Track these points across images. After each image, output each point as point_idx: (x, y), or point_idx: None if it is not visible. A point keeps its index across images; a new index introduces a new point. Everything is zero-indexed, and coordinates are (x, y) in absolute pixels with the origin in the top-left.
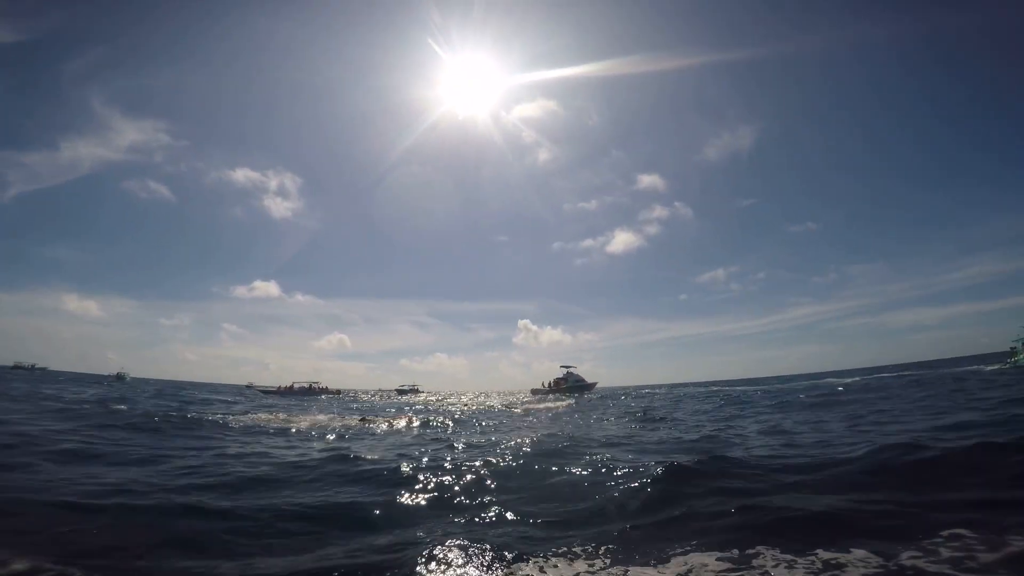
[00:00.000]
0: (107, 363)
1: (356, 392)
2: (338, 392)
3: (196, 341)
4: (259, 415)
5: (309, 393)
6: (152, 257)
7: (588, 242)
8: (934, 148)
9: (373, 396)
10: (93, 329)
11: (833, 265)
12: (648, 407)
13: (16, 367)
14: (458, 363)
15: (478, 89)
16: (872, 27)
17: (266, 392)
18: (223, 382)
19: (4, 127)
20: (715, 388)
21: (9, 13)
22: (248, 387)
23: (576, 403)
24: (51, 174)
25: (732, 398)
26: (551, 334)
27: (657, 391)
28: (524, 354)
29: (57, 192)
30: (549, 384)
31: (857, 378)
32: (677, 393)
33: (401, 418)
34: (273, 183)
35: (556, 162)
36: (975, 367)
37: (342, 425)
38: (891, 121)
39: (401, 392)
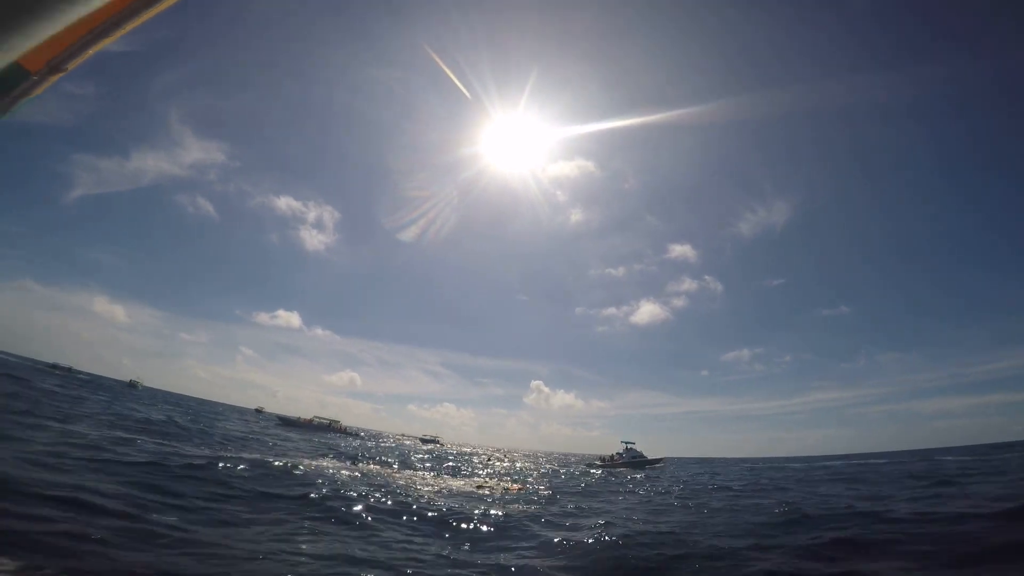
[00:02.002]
0: (120, 368)
1: (379, 434)
2: (357, 434)
3: (211, 359)
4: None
5: (329, 431)
6: (185, 271)
7: (611, 310)
8: (975, 238)
9: (401, 440)
10: (115, 333)
11: (864, 352)
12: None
13: (54, 367)
14: (466, 415)
15: (516, 145)
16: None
17: (285, 421)
18: (229, 403)
19: (89, 131)
20: (758, 465)
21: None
22: (258, 411)
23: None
24: (116, 181)
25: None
26: (563, 397)
27: (688, 466)
28: (533, 415)
29: (116, 198)
30: (607, 458)
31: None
32: (720, 469)
33: None
34: (312, 214)
35: (587, 224)
36: None
37: None
38: (931, 209)
39: (425, 441)
